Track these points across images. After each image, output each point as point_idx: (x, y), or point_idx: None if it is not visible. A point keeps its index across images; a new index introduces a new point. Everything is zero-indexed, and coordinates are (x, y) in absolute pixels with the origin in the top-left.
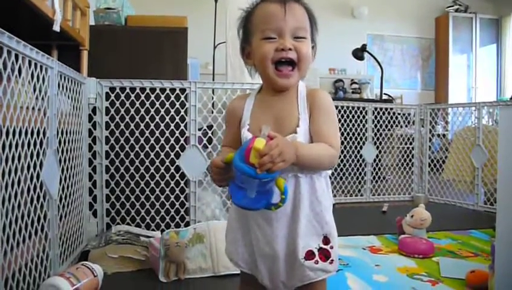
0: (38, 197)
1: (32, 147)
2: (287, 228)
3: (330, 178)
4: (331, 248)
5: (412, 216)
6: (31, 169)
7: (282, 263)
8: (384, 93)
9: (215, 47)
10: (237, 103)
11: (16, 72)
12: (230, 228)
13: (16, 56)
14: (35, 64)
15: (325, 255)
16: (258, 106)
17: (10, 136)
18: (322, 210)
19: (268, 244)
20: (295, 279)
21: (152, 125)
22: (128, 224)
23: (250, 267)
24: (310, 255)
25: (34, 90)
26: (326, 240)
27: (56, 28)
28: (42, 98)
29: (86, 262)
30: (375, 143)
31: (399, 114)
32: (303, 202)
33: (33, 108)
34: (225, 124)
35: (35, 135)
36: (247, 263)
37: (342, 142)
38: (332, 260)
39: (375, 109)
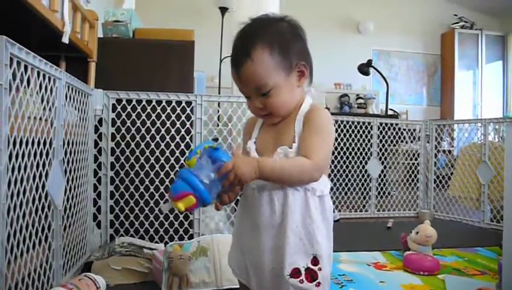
0: (43, 207)
1: (38, 157)
2: (274, 242)
3: (335, 195)
4: (319, 269)
5: (417, 232)
6: (37, 179)
7: (269, 276)
8: (390, 109)
9: (221, 61)
10: (253, 119)
11: (25, 83)
12: (233, 234)
13: (25, 67)
14: (44, 75)
15: (311, 276)
16: (265, 125)
17: (17, 145)
18: (314, 229)
19: (257, 253)
20: None
21: (157, 138)
22: (131, 236)
23: (246, 277)
24: (295, 273)
25: (42, 100)
26: (315, 261)
27: (65, 39)
28: (50, 109)
29: (89, 273)
30: (380, 158)
31: (404, 130)
32: (291, 216)
33: (40, 118)
34: (242, 136)
35: (41, 145)
36: (242, 271)
37: (347, 157)
38: (319, 283)
39: (381, 124)
